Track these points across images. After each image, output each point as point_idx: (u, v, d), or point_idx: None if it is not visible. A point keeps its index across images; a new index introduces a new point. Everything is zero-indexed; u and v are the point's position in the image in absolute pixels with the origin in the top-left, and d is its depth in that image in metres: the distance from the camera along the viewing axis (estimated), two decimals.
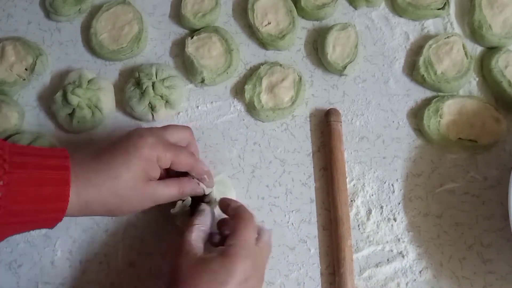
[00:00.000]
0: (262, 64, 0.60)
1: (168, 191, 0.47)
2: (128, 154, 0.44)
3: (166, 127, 0.49)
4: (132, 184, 0.44)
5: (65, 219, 0.54)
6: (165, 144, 0.46)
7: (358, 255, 0.53)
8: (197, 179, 0.49)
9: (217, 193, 0.51)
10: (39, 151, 0.43)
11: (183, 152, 0.48)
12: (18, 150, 0.41)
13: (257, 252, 0.44)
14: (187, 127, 0.51)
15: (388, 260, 0.53)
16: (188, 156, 0.48)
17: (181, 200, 0.49)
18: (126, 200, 0.45)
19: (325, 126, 0.57)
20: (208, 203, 0.50)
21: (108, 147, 0.45)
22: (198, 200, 0.50)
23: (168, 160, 0.46)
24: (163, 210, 0.55)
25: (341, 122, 0.57)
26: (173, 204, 0.49)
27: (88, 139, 0.58)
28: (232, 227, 0.45)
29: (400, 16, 0.63)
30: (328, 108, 0.58)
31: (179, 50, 0.62)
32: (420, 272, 0.52)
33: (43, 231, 0.54)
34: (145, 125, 0.58)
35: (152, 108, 0.57)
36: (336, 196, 0.53)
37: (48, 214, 0.41)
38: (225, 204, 0.48)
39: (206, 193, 0.50)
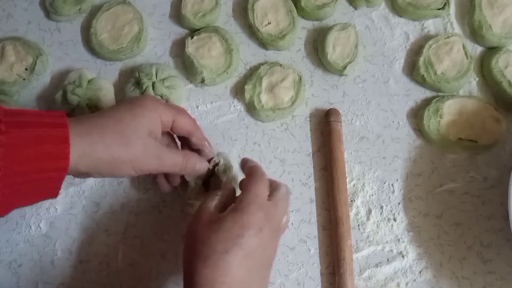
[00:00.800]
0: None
1: (173, 156, 0.46)
2: (132, 104, 0.45)
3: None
4: (138, 132, 0.43)
5: (65, 217, 0.55)
6: (166, 104, 0.47)
7: (358, 255, 0.53)
8: (197, 147, 0.49)
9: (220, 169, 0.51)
10: (36, 112, 0.42)
11: (185, 114, 0.48)
12: (14, 111, 0.40)
13: (270, 206, 0.43)
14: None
15: (388, 260, 0.53)
16: (189, 118, 0.48)
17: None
18: (132, 149, 0.43)
19: (325, 126, 0.57)
20: (224, 173, 0.50)
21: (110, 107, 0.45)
22: (209, 176, 0.50)
23: (170, 117, 0.46)
24: (163, 210, 0.55)
25: (341, 122, 0.57)
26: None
27: None
28: (244, 185, 0.45)
29: (400, 16, 0.63)
30: (328, 108, 0.58)
31: (179, 50, 0.62)
32: (420, 272, 0.52)
33: (43, 230, 0.54)
34: None
35: None
36: (336, 196, 0.53)
37: (50, 172, 0.40)
38: (243, 163, 0.48)
39: (216, 161, 0.50)
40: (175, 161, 0.47)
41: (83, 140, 0.41)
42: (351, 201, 0.55)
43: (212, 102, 0.60)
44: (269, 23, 0.61)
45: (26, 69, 0.60)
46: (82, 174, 0.43)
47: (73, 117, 0.43)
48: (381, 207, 0.55)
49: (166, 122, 0.46)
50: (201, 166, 0.49)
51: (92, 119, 0.43)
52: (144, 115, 0.44)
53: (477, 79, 0.60)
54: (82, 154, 0.41)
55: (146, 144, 0.44)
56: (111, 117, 0.43)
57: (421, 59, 0.59)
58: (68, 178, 0.55)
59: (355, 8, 0.64)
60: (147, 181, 0.56)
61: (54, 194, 0.42)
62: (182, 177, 0.50)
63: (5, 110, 0.39)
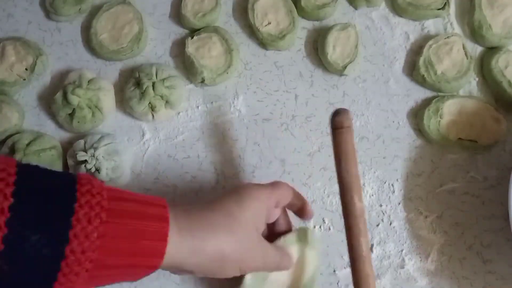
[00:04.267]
0: None
1: (274, 256, 0.44)
2: (238, 195, 0.43)
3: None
4: (247, 227, 0.41)
5: None
6: (268, 188, 0.45)
7: None
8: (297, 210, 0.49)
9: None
10: (138, 196, 0.39)
11: (284, 188, 0.46)
12: (117, 194, 0.38)
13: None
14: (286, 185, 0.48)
15: (388, 260, 0.53)
16: (286, 189, 0.47)
17: None
18: (241, 246, 0.40)
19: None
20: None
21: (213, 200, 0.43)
22: None
23: (273, 202, 0.45)
24: None
25: (349, 126, 0.43)
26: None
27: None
28: None
29: (400, 16, 0.63)
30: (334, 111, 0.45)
31: (179, 50, 0.62)
32: (420, 272, 0.52)
33: None
34: (145, 125, 0.58)
35: (152, 108, 0.57)
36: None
37: (140, 268, 0.38)
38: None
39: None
40: (275, 260, 0.44)
41: (193, 236, 0.39)
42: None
43: (212, 102, 0.60)
44: (269, 23, 0.61)
45: (26, 69, 0.60)
46: (181, 272, 0.40)
47: (176, 208, 0.40)
48: (381, 207, 0.55)
49: (270, 209, 0.45)
50: (290, 266, 0.47)
51: (201, 212, 0.41)
52: (251, 207, 0.42)
53: (477, 79, 0.60)
54: (192, 250, 0.38)
55: (253, 240, 0.42)
56: (220, 211, 0.41)
57: (421, 59, 0.59)
58: None
59: (355, 8, 0.64)
60: (147, 181, 0.56)
61: (133, 280, 0.40)
62: None
63: (108, 193, 0.37)
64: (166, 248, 0.37)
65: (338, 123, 0.43)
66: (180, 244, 0.38)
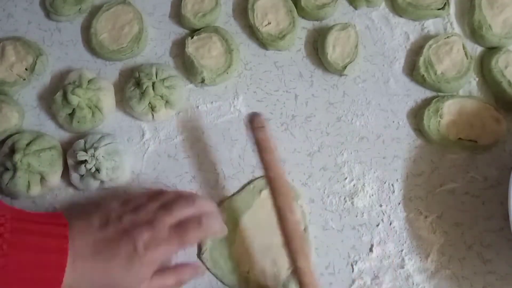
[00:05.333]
0: None
1: (164, 284, 0.47)
2: (130, 262, 0.44)
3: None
4: (130, 286, 0.45)
5: None
6: (164, 271, 0.48)
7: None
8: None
9: None
10: (40, 226, 0.43)
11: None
12: (20, 225, 0.41)
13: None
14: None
15: (388, 260, 0.53)
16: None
17: None
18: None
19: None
20: None
21: (108, 243, 0.45)
22: None
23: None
24: None
25: (263, 126, 0.50)
26: None
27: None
28: None
29: (400, 16, 0.63)
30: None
31: (179, 50, 0.62)
32: (419, 272, 0.52)
33: None
34: (145, 125, 0.58)
35: (152, 108, 0.57)
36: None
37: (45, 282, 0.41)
38: None
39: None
40: (168, 286, 0.48)
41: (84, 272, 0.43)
42: (351, 198, 0.55)
43: (212, 102, 0.60)
44: (269, 23, 0.61)
45: (26, 69, 0.60)
46: None
47: (73, 240, 0.43)
48: (381, 207, 0.55)
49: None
50: (196, 275, 0.50)
51: (86, 264, 0.43)
52: (139, 270, 0.45)
53: (477, 79, 0.60)
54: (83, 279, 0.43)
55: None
56: (104, 273, 0.44)
57: (421, 59, 0.59)
58: (67, 178, 0.55)
59: (355, 8, 0.64)
60: (147, 181, 0.56)
61: None
62: None
63: (11, 225, 0.40)
64: (63, 281, 0.41)
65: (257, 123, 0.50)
66: (74, 271, 0.42)
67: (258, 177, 0.55)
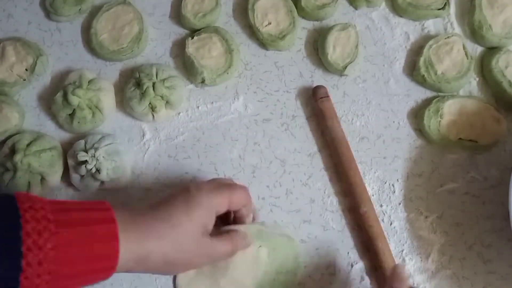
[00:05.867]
0: None
1: (225, 249, 0.46)
2: (187, 205, 0.44)
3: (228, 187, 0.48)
4: (194, 235, 0.44)
5: None
6: (220, 192, 0.46)
7: None
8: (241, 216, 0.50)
9: None
10: (81, 205, 0.41)
11: (239, 192, 0.47)
12: (59, 206, 0.39)
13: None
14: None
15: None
16: (243, 195, 0.48)
17: None
18: (187, 253, 0.44)
19: (315, 107, 0.57)
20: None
21: (164, 198, 0.45)
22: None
23: (225, 206, 0.46)
24: None
25: (328, 96, 0.57)
26: None
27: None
28: None
29: (400, 16, 0.63)
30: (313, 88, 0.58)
31: (179, 50, 0.62)
32: (420, 272, 0.52)
33: None
34: (145, 125, 0.58)
35: (152, 108, 0.57)
36: (350, 177, 0.54)
37: (98, 273, 0.40)
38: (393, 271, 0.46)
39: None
40: (225, 252, 0.47)
41: (139, 247, 0.41)
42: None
43: (212, 103, 0.60)
44: (269, 23, 0.61)
45: (26, 70, 0.60)
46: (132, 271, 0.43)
47: (121, 210, 0.42)
48: (382, 207, 0.55)
49: (222, 211, 0.46)
50: (247, 246, 0.49)
51: (147, 220, 0.42)
52: (201, 217, 0.44)
53: (477, 79, 0.60)
54: (137, 260, 0.41)
55: (200, 246, 0.44)
56: (167, 221, 0.43)
57: (421, 59, 0.59)
58: (67, 178, 0.55)
59: (355, 8, 0.64)
60: (147, 181, 0.56)
61: (96, 282, 0.41)
62: None
63: (51, 206, 0.38)
64: (119, 246, 0.39)
65: (321, 93, 0.57)
66: (128, 254, 0.40)
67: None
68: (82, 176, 0.54)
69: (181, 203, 0.44)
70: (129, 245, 0.40)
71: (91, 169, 0.53)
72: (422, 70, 0.59)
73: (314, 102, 0.57)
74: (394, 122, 0.58)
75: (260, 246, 0.51)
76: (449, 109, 0.57)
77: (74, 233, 0.38)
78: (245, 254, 0.50)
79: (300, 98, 0.60)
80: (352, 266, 0.53)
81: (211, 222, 0.45)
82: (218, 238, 0.46)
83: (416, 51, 0.61)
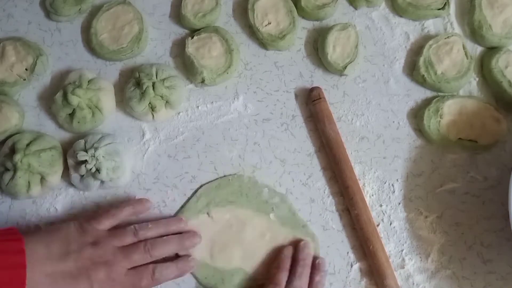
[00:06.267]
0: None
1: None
2: None
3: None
4: None
5: (65, 217, 0.55)
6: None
7: None
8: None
9: None
10: None
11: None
12: None
13: None
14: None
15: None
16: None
17: None
18: None
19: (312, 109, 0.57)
20: None
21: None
22: None
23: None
24: (163, 210, 0.55)
25: (322, 98, 0.57)
26: None
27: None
28: None
29: (400, 16, 0.63)
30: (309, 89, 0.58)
31: (179, 50, 0.62)
32: (420, 272, 0.52)
33: None
34: (145, 125, 0.58)
35: (152, 108, 0.57)
36: (344, 178, 0.54)
37: None
38: None
39: None
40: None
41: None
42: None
43: (212, 102, 0.60)
44: (269, 23, 0.61)
45: (26, 69, 0.60)
46: None
47: (30, 265, 0.44)
48: (381, 207, 0.55)
49: None
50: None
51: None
52: None
53: (477, 79, 0.60)
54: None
55: None
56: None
57: (421, 59, 0.59)
58: (67, 178, 0.55)
59: (355, 8, 0.64)
60: (147, 181, 0.56)
61: None
62: None
63: None
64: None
65: (313, 96, 0.57)
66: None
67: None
68: (82, 176, 0.54)
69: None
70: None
71: (91, 168, 0.53)
72: (422, 70, 0.59)
73: (308, 105, 0.58)
74: (394, 122, 0.58)
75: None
76: (449, 109, 0.57)
77: None
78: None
79: (300, 98, 0.60)
80: (352, 266, 0.53)
81: None
82: (127, 274, 0.48)
83: (416, 51, 0.61)
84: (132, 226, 0.51)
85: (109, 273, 0.47)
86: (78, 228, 0.49)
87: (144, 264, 0.49)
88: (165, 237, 0.51)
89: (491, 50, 0.61)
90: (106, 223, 0.50)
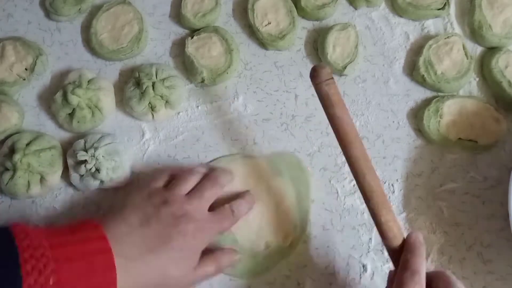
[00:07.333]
0: None
1: (206, 271, 0.48)
2: (180, 250, 0.46)
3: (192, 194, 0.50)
4: (180, 278, 0.46)
5: (65, 217, 0.55)
6: (201, 218, 0.49)
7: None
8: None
9: None
10: (76, 233, 0.43)
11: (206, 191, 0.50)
12: (57, 240, 0.41)
13: None
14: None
15: (387, 260, 0.53)
16: (211, 188, 0.51)
17: None
18: (173, 279, 0.46)
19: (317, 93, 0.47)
20: None
21: (152, 235, 0.46)
22: None
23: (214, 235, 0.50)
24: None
25: (331, 78, 0.46)
26: None
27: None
28: (403, 261, 0.42)
29: (400, 16, 0.63)
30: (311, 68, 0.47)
31: (179, 50, 0.62)
32: None
33: None
34: (145, 125, 0.58)
35: (152, 108, 0.57)
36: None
37: None
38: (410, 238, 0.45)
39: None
40: (209, 273, 0.49)
41: (136, 264, 0.44)
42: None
43: (212, 102, 0.60)
44: (269, 23, 0.61)
45: (26, 69, 0.60)
46: None
47: (115, 234, 0.44)
48: None
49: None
50: (232, 262, 0.51)
51: (141, 235, 0.45)
52: (187, 262, 0.47)
53: (477, 79, 0.60)
54: (137, 276, 0.44)
55: (186, 282, 0.47)
56: (157, 268, 0.45)
57: (421, 59, 0.59)
58: (67, 178, 0.55)
59: (355, 8, 0.64)
60: (147, 181, 0.56)
61: None
62: None
63: (49, 241, 0.40)
64: (117, 275, 0.41)
65: (327, 75, 0.46)
66: (126, 272, 0.42)
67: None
68: (81, 176, 0.54)
69: (169, 249, 0.45)
70: (127, 268, 0.43)
71: (91, 168, 0.53)
72: (422, 70, 0.59)
73: (316, 85, 0.46)
74: (393, 122, 0.58)
75: (280, 177, 0.55)
76: (449, 109, 0.57)
77: (73, 268, 0.40)
78: (269, 190, 0.54)
79: (299, 98, 0.59)
80: (352, 265, 0.53)
81: (197, 258, 0.48)
82: (202, 261, 0.48)
83: (416, 51, 0.61)
84: (183, 172, 0.51)
85: (194, 221, 0.47)
86: (143, 195, 0.49)
87: (219, 206, 0.51)
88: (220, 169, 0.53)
89: (491, 50, 0.61)
90: (164, 180, 0.51)
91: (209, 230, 0.49)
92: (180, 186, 0.50)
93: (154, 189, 0.50)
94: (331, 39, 0.60)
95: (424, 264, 0.42)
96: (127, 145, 0.57)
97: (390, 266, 0.52)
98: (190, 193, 0.50)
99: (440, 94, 0.59)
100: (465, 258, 0.53)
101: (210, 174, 0.52)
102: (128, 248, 0.44)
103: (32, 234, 0.40)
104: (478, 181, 0.56)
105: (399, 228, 0.45)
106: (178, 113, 0.59)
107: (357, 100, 0.59)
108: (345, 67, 0.59)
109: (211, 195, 0.50)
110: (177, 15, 0.63)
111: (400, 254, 0.43)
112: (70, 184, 0.56)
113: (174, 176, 0.52)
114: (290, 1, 0.62)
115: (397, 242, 0.44)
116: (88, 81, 0.57)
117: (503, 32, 0.60)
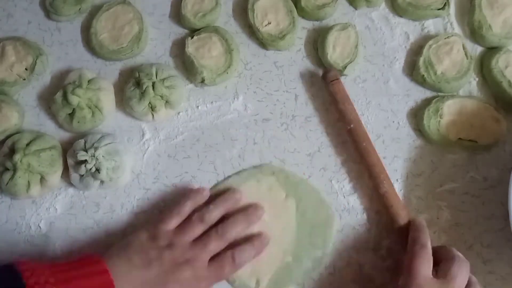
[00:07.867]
0: None
1: (215, 274, 0.50)
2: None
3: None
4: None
5: (65, 217, 0.55)
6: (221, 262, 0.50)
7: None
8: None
9: None
10: (80, 269, 0.45)
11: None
12: (62, 276, 0.43)
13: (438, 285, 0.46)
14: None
15: (386, 259, 0.53)
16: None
17: None
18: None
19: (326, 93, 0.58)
20: None
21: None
22: None
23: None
24: (163, 210, 0.55)
25: (338, 78, 0.57)
26: None
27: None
28: (407, 265, 0.47)
29: (400, 16, 0.63)
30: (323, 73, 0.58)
31: (179, 50, 0.62)
32: None
33: (43, 230, 0.54)
34: (145, 125, 0.58)
35: (152, 108, 0.57)
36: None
37: None
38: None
39: None
40: (215, 278, 0.50)
41: None
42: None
43: (212, 102, 0.60)
44: (269, 23, 0.61)
45: (26, 69, 0.60)
46: None
47: (118, 272, 0.46)
48: None
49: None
50: (235, 271, 0.51)
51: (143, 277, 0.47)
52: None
53: (477, 79, 0.60)
54: None
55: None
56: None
57: (421, 59, 0.59)
58: (67, 178, 0.55)
59: (355, 8, 0.64)
60: (147, 181, 0.56)
61: None
62: None
63: (55, 277, 0.42)
64: None
65: (333, 76, 0.57)
66: None
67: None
68: (81, 176, 0.54)
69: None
70: None
71: (91, 168, 0.53)
72: (422, 70, 0.59)
73: (325, 85, 0.57)
74: (393, 122, 0.58)
75: (286, 196, 0.55)
76: (449, 109, 0.57)
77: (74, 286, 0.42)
78: (274, 206, 0.54)
79: (299, 98, 0.60)
80: (351, 265, 0.53)
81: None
82: (209, 266, 0.50)
83: (416, 51, 0.61)
84: (196, 215, 0.51)
85: (193, 270, 0.48)
86: (150, 236, 0.50)
87: (221, 252, 0.51)
88: (231, 219, 0.52)
89: (491, 50, 0.61)
90: (172, 222, 0.51)
91: (207, 279, 0.49)
92: (186, 233, 0.50)
93: (161, 231, 0.50)
94: (331, 39, 0.60)
95: (429, 240, 0.48)
96: (127, 145, 0.58)
97: (388, 264, 0.53)
98: (195, 240, 0.50)
99: (440, 94, 0.59)
100: (465, 258, 0.53)
101: (218, 226, 0.51)
102: (127, 286, 0.45)
103: (38, 270, 0.41)
104: (478, 181, 0.56)
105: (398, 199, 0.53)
106: (178, 113, 0.59)
107: (357, 100, 0.59)
108: (345, 67, 0.59)
109: (214, 248, 0.50)
110: (177, 15, 0.63)
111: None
112: (70, 184, 0.56)
113: (182, 217, 0.52)
114: (290, 1, 0.62)
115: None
116: (88, 81, 0.57)
117: (503, 32, 0.60)
